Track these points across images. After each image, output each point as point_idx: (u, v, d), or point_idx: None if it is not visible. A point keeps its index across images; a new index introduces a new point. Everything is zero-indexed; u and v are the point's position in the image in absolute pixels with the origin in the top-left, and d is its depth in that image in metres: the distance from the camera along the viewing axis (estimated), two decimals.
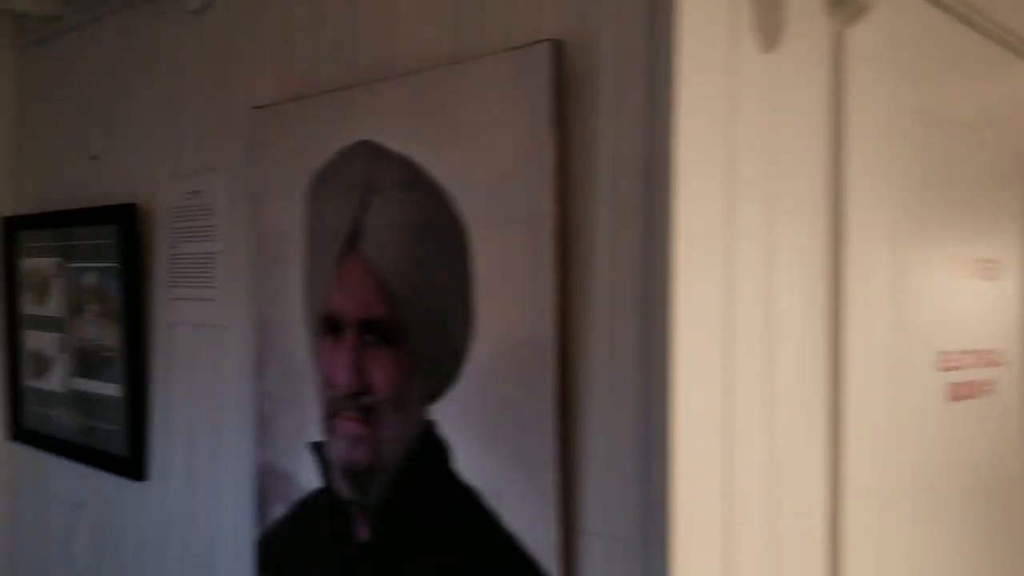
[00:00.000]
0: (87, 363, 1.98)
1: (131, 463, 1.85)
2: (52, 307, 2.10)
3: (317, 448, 1.41)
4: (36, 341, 2.17)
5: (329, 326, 1.38)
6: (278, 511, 1.48)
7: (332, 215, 1.38)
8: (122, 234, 1.86)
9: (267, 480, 1.50)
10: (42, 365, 2.14)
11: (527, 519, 1.10)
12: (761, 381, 1.14)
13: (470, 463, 1.18)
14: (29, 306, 2.19)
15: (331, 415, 1.38)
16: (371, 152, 1.32)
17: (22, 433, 2.24)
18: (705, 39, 1.03)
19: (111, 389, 1.91)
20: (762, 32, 1.11)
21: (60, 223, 2.08)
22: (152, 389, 1.84)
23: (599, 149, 1.07)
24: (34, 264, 2.16)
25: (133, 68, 1.94)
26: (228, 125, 1.67)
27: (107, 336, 1.91)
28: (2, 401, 2.29)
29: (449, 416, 1.20)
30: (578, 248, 1.09)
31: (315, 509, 1.41)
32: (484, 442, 1.16)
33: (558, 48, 1.07)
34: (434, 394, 1.22)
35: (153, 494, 1.82)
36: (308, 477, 1.42)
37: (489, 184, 1.15)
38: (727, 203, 1.08)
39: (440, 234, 1.21)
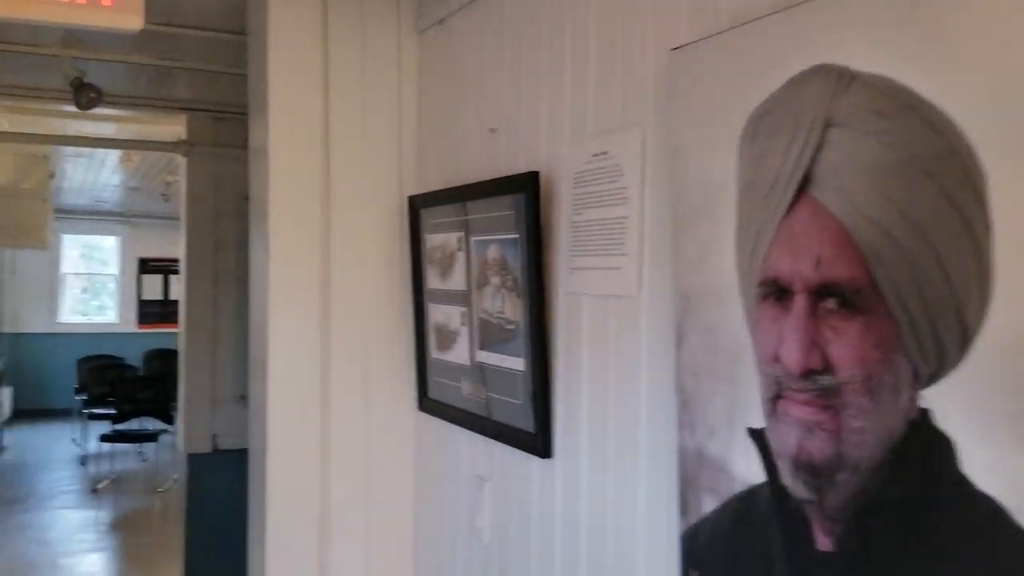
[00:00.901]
0: (490, 336, 1.96)
1: (536, 439, 1.79)
2: (455, 281, 2.11)
3: (757, 435, 1.21)
4: (440, 314, 2.20)
5: (772, 291, 1.17)
6: (708, 504, 1.30)
7: (774, 160, 1.16)
8: (523, 204, 1.79)
9: (693, 467, 1.33)
10: (446, 338, 2.17)
11: None
12: None
13: (987, 465, 0.90)
14: (433, 280, 2.23)
15: (776, 397, 1.17)
16: (830, 77, 1.08)
17: (428, 404, 2.30)
18: None
19: (514, 362, 1.86)
20: None
21: (461, 198, 2.08)
22: (555, 362, 1.76)
23: None
24: (437, 240, 2.20)
25: (531, 35, 1.87)
26: (638, 76, 1.52)
27: (509, 308, 1.87)
28: (412, 372, 2.37)
29: (953, 404, 0.93)
30: None
31: (757, 507, 1.21)
32: (1009, 439, 0.88)
33: None
34: (929, 376, 0.96)
35: (559, 472, 1.74)
36: (746, 468, 1.23)
37: (1020, 98, 0.86)
38: None
39: (936, 170, 0.95)
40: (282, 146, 2.33)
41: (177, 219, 5.22)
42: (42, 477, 9.28)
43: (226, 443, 4.78)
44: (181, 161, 4.92)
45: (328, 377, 2.35)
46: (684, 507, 1.35)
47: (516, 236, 1.83)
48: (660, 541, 1.44)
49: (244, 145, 4.55)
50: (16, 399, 11.83)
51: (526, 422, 1.83)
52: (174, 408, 7.85)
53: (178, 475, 6.19)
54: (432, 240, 2.23)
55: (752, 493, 1.22)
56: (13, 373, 11.78)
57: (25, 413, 11.90)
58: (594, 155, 1.62)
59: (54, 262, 12.96)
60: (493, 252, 1.93)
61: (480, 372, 2.01)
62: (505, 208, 1.88)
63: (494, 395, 1.96)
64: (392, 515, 2.40)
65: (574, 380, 1.69)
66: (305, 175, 2.34)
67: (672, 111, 1.39)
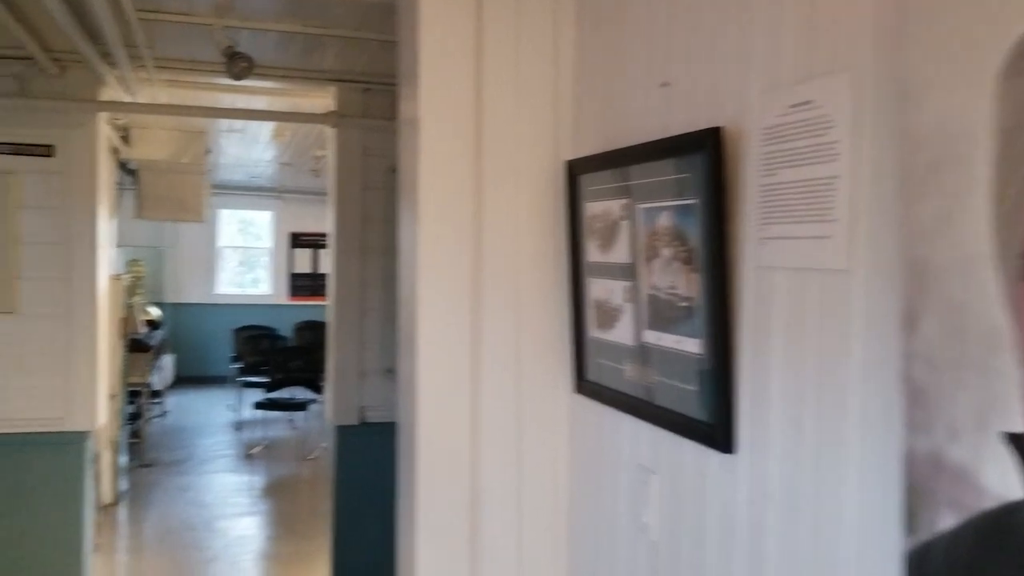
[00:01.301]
0: (660, 314, 1.77)
1: (714, 431, 1.59)
2: (619, 253, 1.93)
3: (1018, 441, 0.97)
4: (601, 290, 2.03)
5: None
6: (945, 520, 1.07)
7: None
8: (703, 165, 1.59)
9: (925, 475, 1.10)
10: (607, 316, 2.00)
11: None
12: None
13: None
14: (593, 253, 2.06)
15: None
16: None
17: (585, 386, 2.14)
18: None
19: (689, 344, 1.66)
20: None
21: (626, 161, 1.89)
22: (739, 346, 1.55)
23: None
24: (598, 208, 2.02)
25: None
26: (851, 7, 1.29)
27: (684, 284, 1.67)
28: (568, 351, 2.21)
29: None
30: None
31: (1016, 528, 0.98)
32: None
33: None
34: None
35: (743, 469, 1.54)
36: (1000, 480, 0.99)
37: None
38: None
39: None
40: (433, 115, 2.20)
41: (326, 194, 5.27)
42: (200, 441, 9.75)
43: (373, 416, 4.79)
44: (330, 135, 4.94)
45: (479, 354, 2.22)
46: (912, 522, 1.12)
47: (693, 202, 1.63)
48: (874, 560, 1.22)
49: (391, 116, 4.52)
50: (178, 366, 12.51)
51: (702, 411, 1.63)
52: (323, 378, 8.05)
53: (326, 444, 6.31)
54: (592, 208, 2.05)
55: (1009, 511, 0.99)
56: (175, 341, 12.45)
57: (186, 379, 12.58)
58: (793, 106, 1.40)
59: (212, 236, 13.59)
60: (664, 220, 1.73)
61: (647, 354, 1.83)
62: (680, 171, 1.68)
63: (663, 380, 1.77)
64: (545, 500, 2.26)
65: (763, 367, 1.48)
66: (456, 145, 2.20)
67: (902, 47, 1.15)
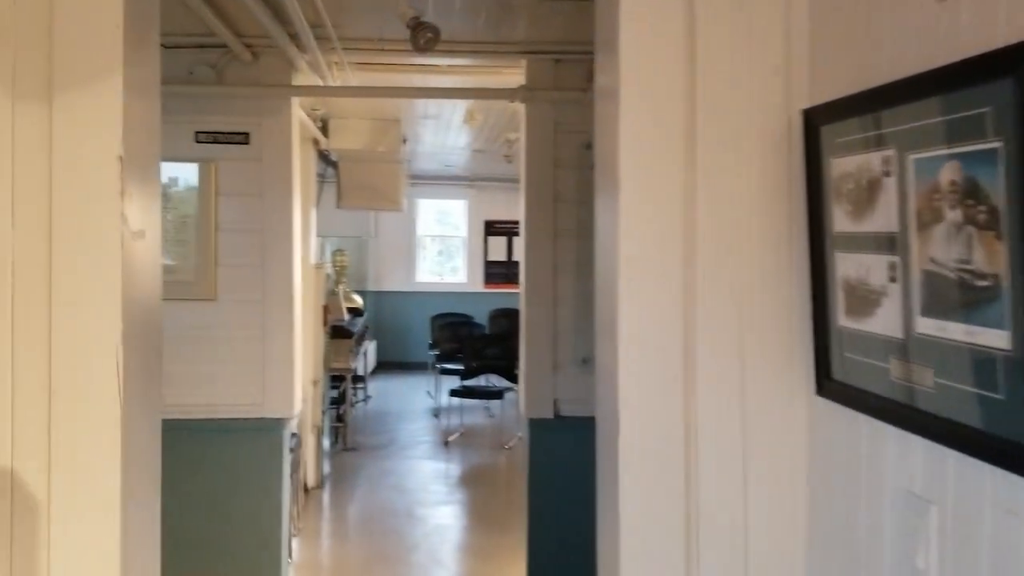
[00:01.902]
0: (943, 297, 1.35)
1: None
2: (879, 220, 1.52)
3: None
4: (853, 267, 1.62)
5: None
6: None
7: None
8: (1011, 94, 1.16)
9: None
10: (863, 299, 1.59)
11: None
12: None
13: None
14: (841, 221, 1.65)
15: None
16: None
17: (832, 387, 1.74)
18: None
19: (989, 337, 1.24)
20: None
21: (890, 100, 1.48)
22: None
23: None
24: (849, 164, 1.61)
25: None
26: None
27: (982, 256, 1.25)
28: (807, 344, 1.82)
29: None
30: None
31: None
32: None
33: None
34: None
35: None
36: None
37: None
38: None
39: None
40: (636, 80, 1.87)
41: (518, 180, 5.08)
42: (401, 426, 9.92)
43: (568, 409, 4.53)
44: (521, 115, 4.72)
45: (693, 347, 1.88)
46: None
47: (995, 145, 1.21)
48: None
49: (583, 88, 4.22)
50: (379, 352, 12.88)
51: (1011, 427, 1.21)
52: (518, 367, 7.91)
53: (522, 434, 6.15)
54: (840, 165, 1.64)
55: None
56: (376, 328, 12.82)
57: (387, 365, 12.94)
58: None
59: (411, 226, 13.90)
60: (950, 173, 1.31)
61: (922, 348, 1.41)
62: (973, 105, 1.26)
63: (948, 382, 1.35)
64: (778, 523, 1.88)
65: None
66: (663, 111, 1.87)
67: None
